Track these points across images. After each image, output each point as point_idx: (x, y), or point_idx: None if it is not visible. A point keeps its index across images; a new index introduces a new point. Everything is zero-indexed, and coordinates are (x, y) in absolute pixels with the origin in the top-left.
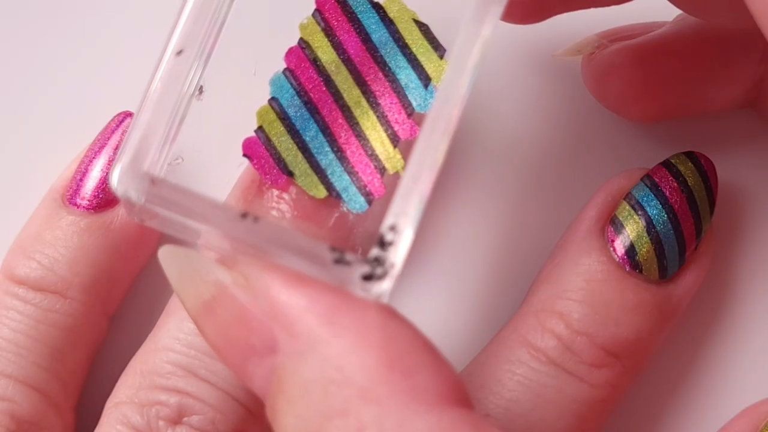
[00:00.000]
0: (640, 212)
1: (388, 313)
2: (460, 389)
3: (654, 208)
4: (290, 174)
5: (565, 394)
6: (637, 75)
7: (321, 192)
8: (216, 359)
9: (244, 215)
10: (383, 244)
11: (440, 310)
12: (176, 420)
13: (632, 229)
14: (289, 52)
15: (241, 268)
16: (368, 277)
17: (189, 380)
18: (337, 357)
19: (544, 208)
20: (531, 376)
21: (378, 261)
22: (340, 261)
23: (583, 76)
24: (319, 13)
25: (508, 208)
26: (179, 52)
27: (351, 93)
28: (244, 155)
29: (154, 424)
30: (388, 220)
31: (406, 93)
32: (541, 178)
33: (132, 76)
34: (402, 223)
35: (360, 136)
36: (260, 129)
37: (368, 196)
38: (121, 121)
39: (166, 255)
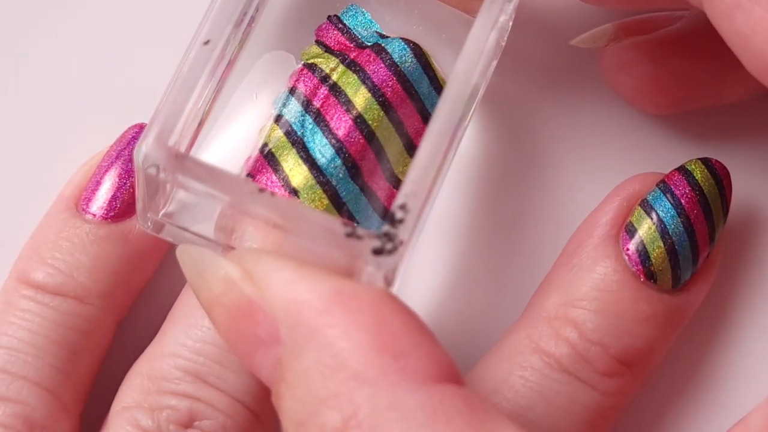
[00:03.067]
0: (655, 220)
1: (381, 298)
2: (450, 368)
3: (670, 218)
4: (295, 193)
5: (577, 402)
6: (650, 71)
7: (332, 211)
8: (224, 367)
9: (262, 190)
10: (394, 221)
11: (442, 307)
12: (187, 424)
13: (647, 238)
14: (294, 74)
15: (247, 265)
16: (378, 251)
17: (198, 386)
18: (332, 344)
19: (553, 206)
20: (544, 383)
21: (388, 236)
22: (351, 235)
23: (599, 67)
24: (321, 42)
25: (517, 206)
26: (206, 42)
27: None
28: (248, 174)
29: (165, 427)
30: (399, 199)
31: (424, 104)
32: (553, 171)
33: (137, 82)
34: (412, 203)
35: (376, 148)
36: (264, 146)
37: (383, 214)
38: (137, 133)
39: (182, 252)
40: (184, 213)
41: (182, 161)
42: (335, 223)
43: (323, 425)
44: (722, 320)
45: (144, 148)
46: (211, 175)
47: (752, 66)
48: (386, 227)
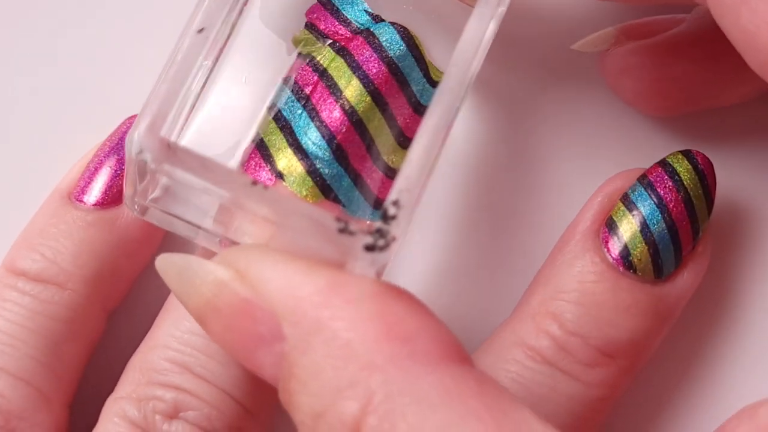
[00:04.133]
0: (634, 212)
1: (381, 284)
2: (458, 348)
3: (648, 208)
4: (280, 176)
5: (559, 392)
6: (651, 75)
7: (319, 196)
8: (212, 357)
9: (255, 182)
10: (386, 217)
11: (434, 305)
12: (172, 415)
13: (626, 230)
14: (285, 62)
15: (239, 264)
16: (370, 248)
17: (185, 377)
18: (339, 336)
19: (548, 205)
20: (525, 374)
21: (380, 233)
22: (344, 230)
23: (601, 70)
24: (311, 25)
25: (512, 204)
26: (200, 30)
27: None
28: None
29: (151, 418)
30: (392, 195)
31: (413, 89)
32: (551, 171)
33: (135, 80)
34: (405, 199)
35: (365, 134)
36: (255, 133)
37: (374, 203)
38: (131, 125)
39: (163, 263)
40: (169, 198)
41: (174, 152)
42: (328, 218)
43: (341, 414)
44: (716, 316)
45: (136, 138)
46: (203, 166)
47: (757, 63)
48: (379, 223)
